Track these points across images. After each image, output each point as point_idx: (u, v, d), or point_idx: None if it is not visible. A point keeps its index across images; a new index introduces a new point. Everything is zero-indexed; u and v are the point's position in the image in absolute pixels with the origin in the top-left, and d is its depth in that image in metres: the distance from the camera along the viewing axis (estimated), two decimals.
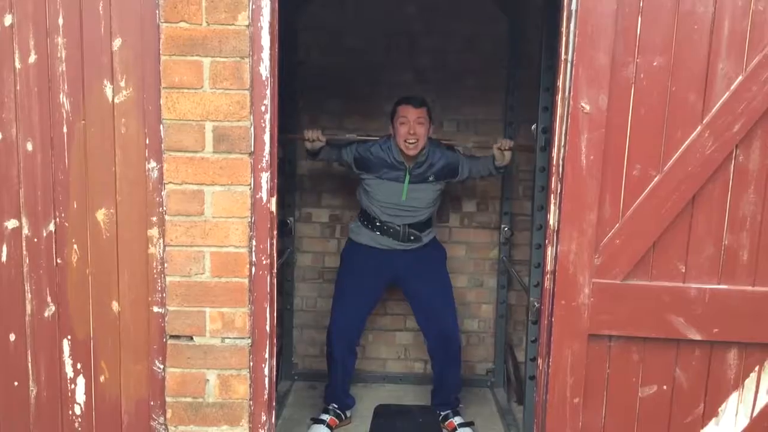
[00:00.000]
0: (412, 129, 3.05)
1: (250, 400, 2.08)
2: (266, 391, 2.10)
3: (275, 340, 2.11)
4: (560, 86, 2.00)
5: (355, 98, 3.69)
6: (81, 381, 2.13)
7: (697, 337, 2.08)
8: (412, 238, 3.23)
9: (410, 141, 3.06)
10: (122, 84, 2.01)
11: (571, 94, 1.95)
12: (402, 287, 3.38)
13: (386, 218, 3.20)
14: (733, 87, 1.97)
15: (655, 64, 1.97)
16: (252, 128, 1.99)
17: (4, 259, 2.07)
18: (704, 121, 1.98)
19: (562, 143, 2.00)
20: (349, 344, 3.30)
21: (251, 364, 2.07)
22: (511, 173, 3.76)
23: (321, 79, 3.75)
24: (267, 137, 2.01)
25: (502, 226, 3.81)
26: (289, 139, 3.36)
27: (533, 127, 2.97)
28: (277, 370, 3.80)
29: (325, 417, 3.30)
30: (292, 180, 3.79)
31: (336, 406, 3.34)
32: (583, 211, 1.99)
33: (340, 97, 3.74)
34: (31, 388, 2.13)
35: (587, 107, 1.96)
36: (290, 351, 3.91)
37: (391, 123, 3.15)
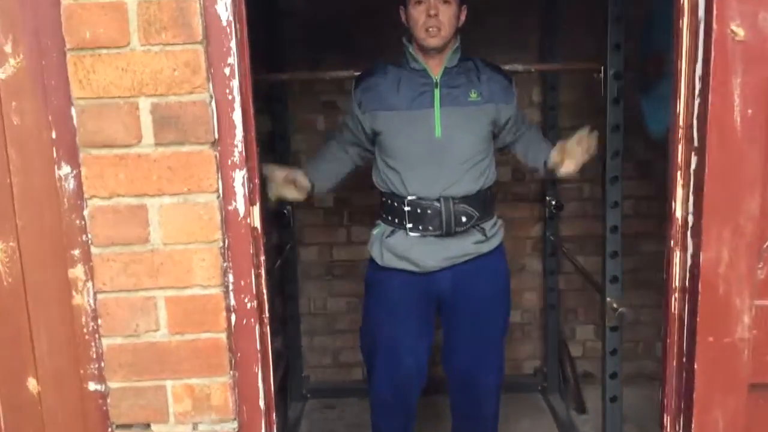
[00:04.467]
0: (433, 8, 1.99)
1: None
2: None
3: (274, 418, 1.43)
4: (686, 2, 1.28)
5: (356, 53, 2.93)
6: None
7: None
8: (463, 219, 2.09)
9: (431, 26, 2.00)
10: (7, 49, 1.30)
11: (714, 13, 1.23)
12: (440, 310, 2.28)
13: (416, 187, 2.09)
14: None
15: None
16: (213, 103, 1.28)
17: None
18: None
19: (698, 92, 1.28)
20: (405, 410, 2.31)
21: None
22: (555, 128, 3.07)
23: (313, 32, 3.02)
24: (237, 115, 1.30)
25: (547, 197, 3.12)
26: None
27: (596, 74, 2.30)
28: (286, 391, 3.17)
29: None
30: (286, 159, 3.07)
31: None
32: (738, 196, 1.27)
33: (335, 53, 2.99)
34: None
35: (740, 32, 1.23)
36: (299, 365, 3.25)
37: (403, 19, 2.09)
